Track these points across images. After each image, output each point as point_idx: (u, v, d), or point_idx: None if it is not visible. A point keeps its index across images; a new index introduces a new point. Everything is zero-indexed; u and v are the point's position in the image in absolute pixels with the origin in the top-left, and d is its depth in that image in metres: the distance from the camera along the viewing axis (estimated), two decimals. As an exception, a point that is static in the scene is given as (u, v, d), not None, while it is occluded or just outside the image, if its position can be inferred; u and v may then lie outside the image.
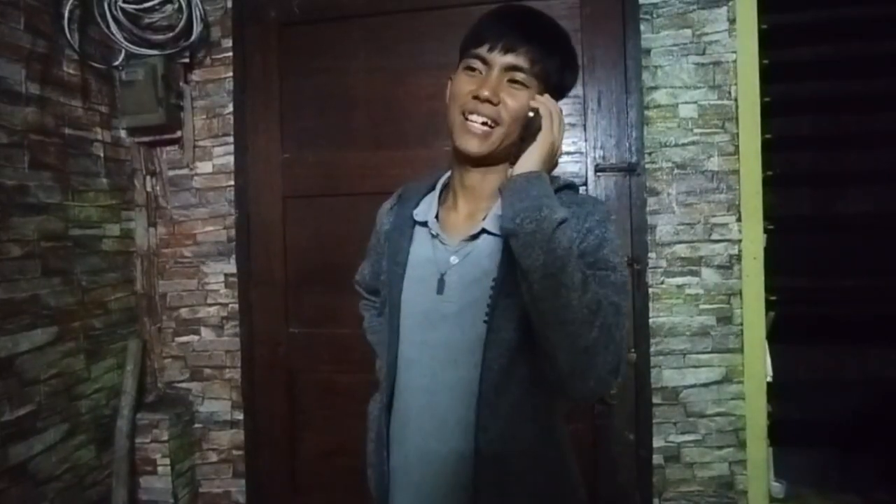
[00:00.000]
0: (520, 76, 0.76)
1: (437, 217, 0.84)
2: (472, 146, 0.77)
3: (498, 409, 0.75)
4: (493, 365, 0.75)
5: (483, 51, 0.77)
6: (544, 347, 0.70)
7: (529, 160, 0.73)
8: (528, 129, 0.75)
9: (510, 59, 0.75)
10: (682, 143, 1.45)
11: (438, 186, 0.88)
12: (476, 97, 0.76)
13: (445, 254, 0.81)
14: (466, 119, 0.77)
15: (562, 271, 0.66)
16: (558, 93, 0.81)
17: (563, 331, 0.67)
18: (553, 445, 0.80)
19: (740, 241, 1.43)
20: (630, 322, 1.41)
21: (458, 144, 0.78)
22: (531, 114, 0.75)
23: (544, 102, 0.75)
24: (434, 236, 0.83)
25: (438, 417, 0.79)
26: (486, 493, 0.76)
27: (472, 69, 0.78)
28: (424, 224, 0.84)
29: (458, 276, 0.79)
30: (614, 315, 0.70)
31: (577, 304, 0.65)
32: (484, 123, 0.76)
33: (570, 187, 0.82)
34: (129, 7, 1.46)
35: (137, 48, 1.49)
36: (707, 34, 1.44)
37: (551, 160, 0.76)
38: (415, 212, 0.86)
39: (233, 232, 1.62)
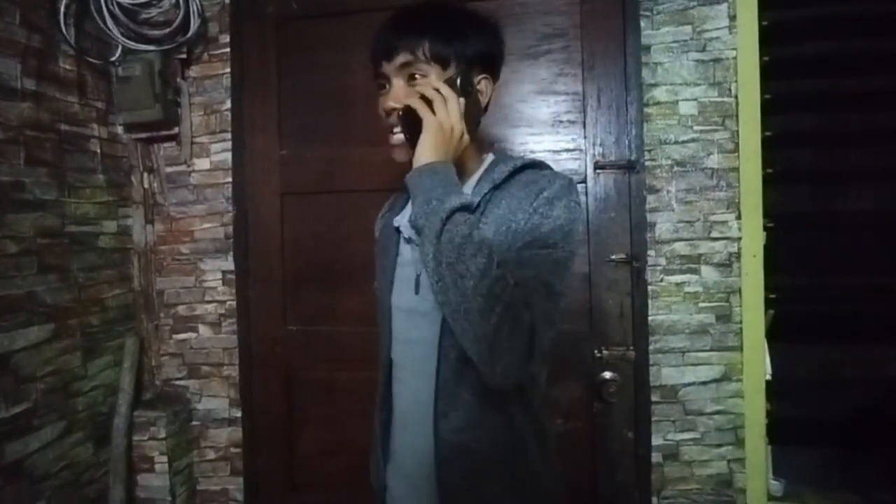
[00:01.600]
0: (412, 70, 0.77)
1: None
2: (399, 156, 0.80)
3: (457, 397, 0.77)
4: (449, 353, 0.77)
5: (378, 68, 0.80)
6: (455, 336, 0.71)
7: (420, 153, 0.73)
8: (409, 124, 0.74)
9: (396, 61, 0.77)
10: (681, 141, 1.44)
11: None
12: (385, 112, 0.79)
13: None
14: (390, 135, 0.80)
15: (458, 260, 0.66)
16: (475, 64, 0.79)
17: (464, 319, 0.67)
18: (516, 435, 0.80)
19: (740, 238, 1.43)
20: (628, 320, 1.41)
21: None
22: (400, 113, 0.75)
23: (420, 91, 0.75)
24: (408, 240, 0.85)
25: (420, 412, 0.81)
26: (453, 482, 0.77)
27: (382, 87, 0.81)
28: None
29: None
30: (537, 295, 0.69)
31: (471, 293, 0.65)
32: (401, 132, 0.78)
33: (534, 166, 0.82)
34: (126, 2, 1.45)
35: (134, 44, 1.48)
36: (707, 31, 1.43)
37: (448, 144, 0.74)
38: (395, 219, 0.89)
39: (230, 229, 1.61)
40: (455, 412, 0.77)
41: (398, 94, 0.77)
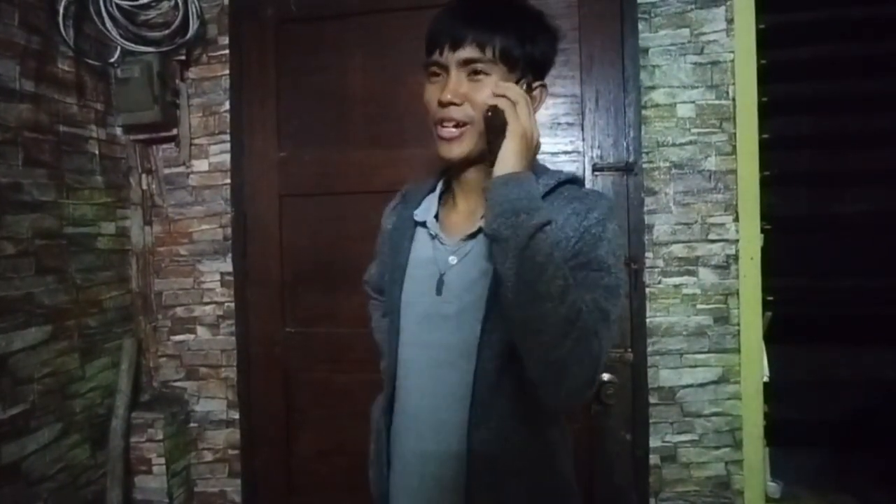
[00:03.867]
0: (478, 66, 0.74)
1: (437, 217, 0.84)
2: (449, 152, 0.77)
3: (492, 409, 0.75)
4: (487, 366, 0.74)
5: (436, 55, 0.76)
6: (520, 353, 0.68)
7: (505, 159, 0.69)
8: (492, 125, 0.71)
9: (461, 53, 0.74)
10: (679, 143, 1.45)
11: (439, 187, 0.88)
12: (440, 103, 0.75)
13: (445, 254, 0.80)
14: (440, 127, 0.77)
15: (538, 280, 0.63)
16: (536, 69, 0.77)
17: (536, 340, 0.65)
18: (546, 447, 0.79)
19: (737, 241, 1.43)
20: (627, 322, 1.41)
21: (438, 153, 0.78)
22: (489, 112, 0.71)
23: (503, 93, 0.71)
24: (433, 237, 0.82)
25: (435, 419, 0.79)
26: (479, 493, 0.75)
27: (435, 75, 0.77)
28: (424, 224, 0.84)
29: (457, 276, 0.78)
30: (600, 323, 0.67)
31: (551, 315, 0.63)
32: (456, 126, 0.75)
33: (574, 182, 0.80)
34: (125, 4, 1.45)
35: (133, 45, 1.48)
36: (705, 34, 1.44)
37: (528, 151, 0.71)
38: (415, 212, 0.86)
39: (229, 230, 1.61)
40: (488, 423, 0.75)
41: (457, 89, 0.74)
